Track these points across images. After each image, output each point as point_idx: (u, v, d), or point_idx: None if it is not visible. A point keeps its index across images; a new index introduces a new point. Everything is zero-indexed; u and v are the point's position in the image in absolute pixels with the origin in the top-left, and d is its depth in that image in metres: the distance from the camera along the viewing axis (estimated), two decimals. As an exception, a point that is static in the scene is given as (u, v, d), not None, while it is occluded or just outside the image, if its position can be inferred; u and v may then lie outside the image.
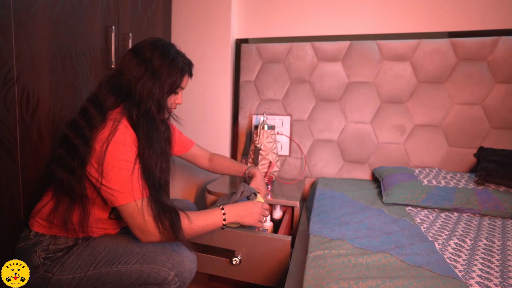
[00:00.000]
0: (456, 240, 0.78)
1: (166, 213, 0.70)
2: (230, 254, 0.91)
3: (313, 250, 0.72)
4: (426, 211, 1.02)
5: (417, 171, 1.26)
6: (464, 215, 1.00)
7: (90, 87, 1.10)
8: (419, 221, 0.93)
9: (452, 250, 0.72)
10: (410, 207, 1.07)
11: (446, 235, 0.82)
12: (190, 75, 0.88)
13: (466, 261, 0.67)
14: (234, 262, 0.89)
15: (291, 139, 1.53)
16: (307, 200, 1.49)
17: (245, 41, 1.58)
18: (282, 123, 1.53)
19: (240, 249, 0.90)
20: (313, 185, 1.46)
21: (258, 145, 1.25)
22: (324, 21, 1.48)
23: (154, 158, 0.75)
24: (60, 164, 0.74)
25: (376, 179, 1.41)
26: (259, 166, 1.27)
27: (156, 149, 0.76)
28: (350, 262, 0.66)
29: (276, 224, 1.19)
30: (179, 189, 1.68)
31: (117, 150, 0.70)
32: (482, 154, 1.24)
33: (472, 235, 0.81)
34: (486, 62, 1.27)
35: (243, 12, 1.59)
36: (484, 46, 1.27)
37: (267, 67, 1.55)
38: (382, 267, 0.64)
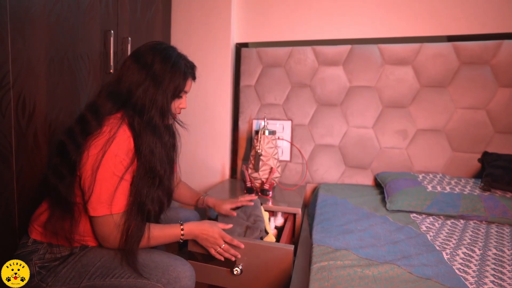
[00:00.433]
0: (465, 250, 0.75)
1: (135, 231, 0.71)
2: (231, 263, 0.89)
3: (317, 260, 0.70)
4: (431, 218, 1.00)
5: (420, 176, 1.24)
6: (471, 222, 0.97)
7: (88, 92, 1.08)
8: (424, 229, 0.91)
9: (461, 261, 0.70)
10: (414, 214, 1.05)
11: (453, 244, 0.79)
12: (194, 78, 0.85)
13: (477, 273, 0.64)
14: (235, 272, 0.86)
15: (292, 144, 1.51)
16: (308, 206, 1.47)
17: (245, 45, 1.57)
18: (283, 128, 1.51)
19: (241, 258, 0.88)
20: (315, 191, 1.44)
21: (259, 151, 1.23)
22: (325, 25, 1.47)
23: (151, 175, 0.74)
24: (53, 172, 0.73)
25: (378, 185, 1.39)
26: (260, 172, 1.24)
27: (157, 164, 0.74)
28: (356, 274, 0.63)
29: (278, 231, 1.16)
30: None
31: (109, 163, 0.68)
32: (487, 159, 1.22)
33: (480, 244, 0.79)
34: (489, 66, 1.26)
35: (243, 16, 1.58)
36: (487, 49, 1.26)
37: (268, 72, 1.53)
38: (389, 280, 0.62)
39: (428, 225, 0.94)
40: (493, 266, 0.68)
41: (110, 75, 1.19)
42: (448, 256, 0.72)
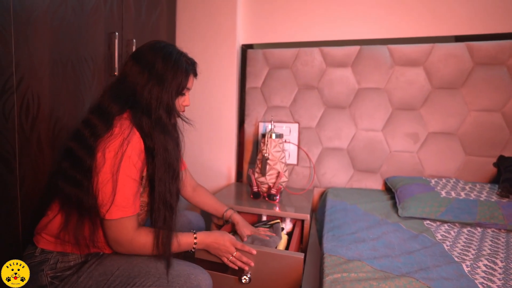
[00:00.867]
0: (486, 261, 0.71)
1: (165, 228, 0.72)
2: (239, 271, 0.86)
3: (330, 272, 0.66)
4: (446, 226, 0.96)
5: (433, 181, 1.20)
6: (489, 230, 0.93)
7: (92, 95, 1.07)
8: (440, 237, 0.87)
9: (483, 274, 0.66)
10: (428, 221, 1.01)
11: (473, 254, 0.75)
12: (195, 74, 0.84)
13: (502, 287, 0.60)
14: (243, 281, 0.84)
15: (299, 147, 1.48)
16: (316, 211, 1.43)
17: (251, 46, 1.55)
18: (290, 131, 1.48)
19: (250, 267, 0.85)
20: (323, 196, 1.40)
21: (265, 155, 1.20)
22: (333, 25, 1.44)
23: (171, 172, 0.74)
24: (65, 177, 0.71)
25: (388, 189, 1.35)
26: (266, 176, 1.21)
27: (174, 160, 0.74)
28: (371, 288, 0.60)
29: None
30: (185, 201, 1.63)
31: (123, 165, 0.68)
32: (503, 163, 1.18)
33: (502, 255, 0.75)
34: (506, 66, 1.21)
35: (249, 17, 1.55)
36: (503, 49, 1.21)
37: (274, 73, 1.50)
38: (407, 294, 0.58)
39: (444, 233, 0.90)
40: (518, 280, 0.64)
41: (115, 77, 1.17)
42: (469, 268, 0.68)
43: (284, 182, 1.24)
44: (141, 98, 0.72)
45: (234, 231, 1.03)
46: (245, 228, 0.99)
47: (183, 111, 0.85)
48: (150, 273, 0.70)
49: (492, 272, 0.67)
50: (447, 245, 0.81)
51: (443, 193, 1.07)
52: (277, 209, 1.14)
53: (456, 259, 0.72)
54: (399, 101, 1.37)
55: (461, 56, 1.26)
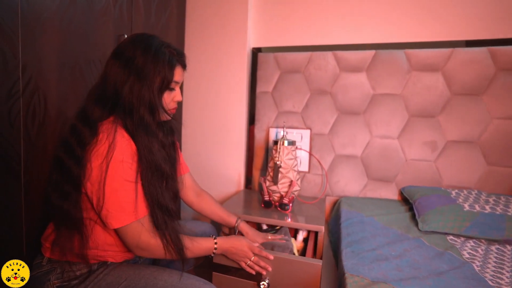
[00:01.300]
0: (523, 286, 0.65)
1: (169, 229, 0.69)
2: (257, 277, 0.85)
3: (354, 296, 0.61)
4: (472, 243, 0.90)
5: (454, 193, 1.14)
6: (519, 248, 0.87)
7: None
8: (467, 256, 0.81)
9: (523, 301, 0.60)
10: (451, 236, 0.95)
11: (508, 278, 0.69)
12: (183, 66, 0.77)
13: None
14: (262, 287, 0.84)
15: (311, 154, 1.43)
16: (328, 221, 1.38)
17: (262, 50, 1.51)
18: (301, 137, 1.43)
19: (268, 272, 0.85)
20: (336, 205, 1.35)
21: (278, 162, 1.15)
22: (347, 29, 1.39)
23: (159, 173, 0.70)
24: (56, 189, 0.68)
25: (405, 200, 1.29)
26: (278, 185, 1.16)
27: (160, 162, 0.70)
28: (402, 316, 0.55)
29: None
30: (191, 210, 1.59)
31: (117, 170, 0.64)
32: (529, 175, 1.11)
33: (539, 278, 0.69)
34: (532, 73, 1.16)
35: (260, 19, 1.51)
36: (529, 55, 1.15)
37: (286, 78, 1.46)
38: (443, 325, 0.53)
39: (471, 251, 0.84)
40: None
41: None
42: (506, 294, 0.63)
43: (296, 191, 1.19)
44: (122, 98, 0.67)
45: None
46: (256, 237, 0.97)
47: (175, 107, 0.79)
48: (157, 286, 0.67)
49: (533, 299, 0.61)
50: (477, 265, 0.75)
51: (466, 206, 1.02)
52: (289, 219, 1.09)
53: (490, 283, 0.67)
54: (416, 108, 1.31)
55: (483, 61, 1.21)
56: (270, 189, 1.19)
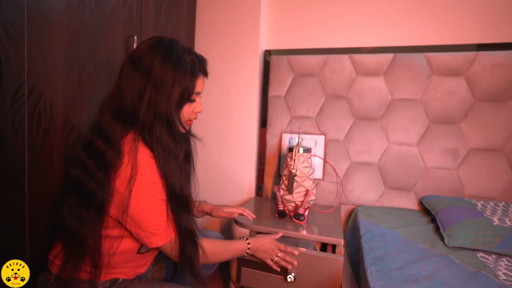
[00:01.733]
0: None
1: (194, 248, 0.69)
2: (284, 271, 0.92)
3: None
4: (505, 261, 0.84)
5: (479, 204, 1.08)
6: (558, 268, 0.81)
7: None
8: (504, 277, 0.75)
9: None
10: (482, 253, 0.89)
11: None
12: (205, 74, 0.72)
13: None
14: (289, 280, 0.91)
15: (325, 161, 1.37)
16: (344, 230, 1.32)
17: (275, 52, 1.45)
18: (315, 143, 1.38)
19: (293, 266, 0.92)
20: (352, 215, 1.29)
21: (293, 170, 1.10)
22: (364, 31, 1.34)
23: (179, 200, 0.67)
24: (70, 211, 0.62)
25: (425, 210, 1.23)
26: (294, 194, 1.11)
27: (177, 187, 0.66)
28: None
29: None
30: (199, 220, 1.54)
31: (148, 191, 0.61)
32: (561, 187, 1.05)
33: None
34: None
35: (273, 21, 1.46)
36: (561, 60, 1.09)
37: (299, 81, 1.40)
38: None
39: (506, 272, 0.78)
40: None
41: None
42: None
43: (312, 200, 1.13)
44: (141, 112, 0.62)
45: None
46: (219, 212, 1.02)
47: (195, 118, 0.75)
48: None
49: None
50: (517, 289, 0.69)
51: (496, 220, 0.95)
52: (304, 231, 1.04)
53: (537, 311, 0.61)
54: (436, 114, 1.25)
55: (510, 66, 1.15)
56: (284, 198, 1.13)
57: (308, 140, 1.38)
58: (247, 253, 0.85)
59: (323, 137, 1.37)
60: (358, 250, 1.00)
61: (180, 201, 0.66)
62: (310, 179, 1.13)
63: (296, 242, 1.00)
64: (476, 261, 0.84)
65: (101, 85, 0.95)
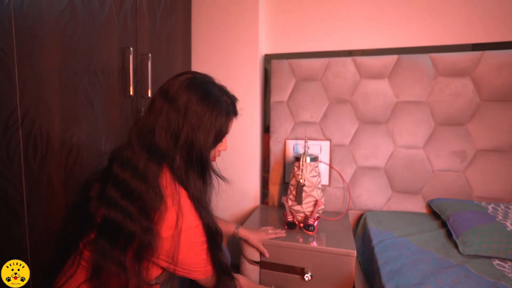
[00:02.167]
0: None
1: (231, 281, 0.72)
2: (301, 271, 0.99)
3: None
4: (522, 268, 0.83)
5: (490, 208, 1.07)
6: None
7: (106, 120, 0.94)
8: (523, 287, 0.74)
9: None
10: (497, 261, 0.88)
11: None
12: (236, 115, 0.72)
13: None
14: (306, 279, 0.97)
15: (331, 167, 1.35)
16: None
17: (276, 56, 1.41)
18: (320, 149, 1.35)
19: (308, 266, 0.99)
20: (361, 221, 1.27)
21: (301, 181, 1.07)
22: (367, 33, 1.30)
23: (213, 226, 0.68)
24: (104, 254, 0.59)
25: (434, 213, 1.21)
26: (303, 205, 1.08)
27: (212, 217, 0.69)
28: None
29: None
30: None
31: (194, 236, 0.63)
32: None
33: None
34: None
35: (273, 24, 1.41)
36: None
37: (302, 86, 1.37)
38: None
39: (525, 281, 0.77)
40: None
41: (130, 98, 1.04)
42: None
43: (321, 209, 1.11)
44: (176, 153, 0.61)
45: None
46: (258, 238, 1.01)
47: (219, 155, 0.76)
48: None
49: None
50: (539, 302, 0.68)
51: (509, 225, 0.94)
52: (314, 243, 1.02)
53: None
54: (443, 116, 1.23)
55: (517, 65, 1.13)
56: (293, 209, 1.10)
57: (313, 146, 1.35)
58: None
59: (328, 142, 1.35)
60: (371, 260, 0.99)
61: (214, 238, 0.68)
62: (319, 188, 1.11)
63: None
64: (494, 270, 0.82)
65: (98, 101, 0.90)
